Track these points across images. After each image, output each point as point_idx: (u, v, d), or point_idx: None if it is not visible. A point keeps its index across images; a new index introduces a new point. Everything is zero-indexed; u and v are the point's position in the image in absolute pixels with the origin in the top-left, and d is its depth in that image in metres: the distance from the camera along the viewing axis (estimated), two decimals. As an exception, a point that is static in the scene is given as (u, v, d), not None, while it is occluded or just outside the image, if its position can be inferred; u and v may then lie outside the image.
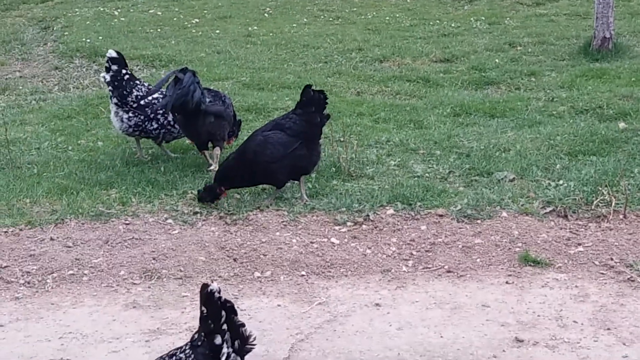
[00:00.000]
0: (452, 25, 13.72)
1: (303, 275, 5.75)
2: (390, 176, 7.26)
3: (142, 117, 7.62)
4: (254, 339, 3.67)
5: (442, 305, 5.31)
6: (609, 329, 4.95)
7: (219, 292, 3.53)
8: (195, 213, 6.59)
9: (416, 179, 7.19)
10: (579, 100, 9.33)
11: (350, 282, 5.66)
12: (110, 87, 7.67)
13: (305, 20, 14.44)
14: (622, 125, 8.36)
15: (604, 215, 6.42)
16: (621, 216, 6.39)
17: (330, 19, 14.49)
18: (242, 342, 3.61)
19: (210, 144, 7.48)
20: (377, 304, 5.35)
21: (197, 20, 14.41)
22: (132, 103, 7.62)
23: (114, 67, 7.64)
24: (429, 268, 5.83)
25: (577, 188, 6.78)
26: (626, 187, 6.65)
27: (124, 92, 7.62)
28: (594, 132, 8.15)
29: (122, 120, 7.64)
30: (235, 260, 5.92)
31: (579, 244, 6.04)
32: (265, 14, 14.99)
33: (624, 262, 5.75)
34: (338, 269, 5.84)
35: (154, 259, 5.94)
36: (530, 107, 9.17)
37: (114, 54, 7.68)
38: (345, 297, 5.46)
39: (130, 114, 7.62)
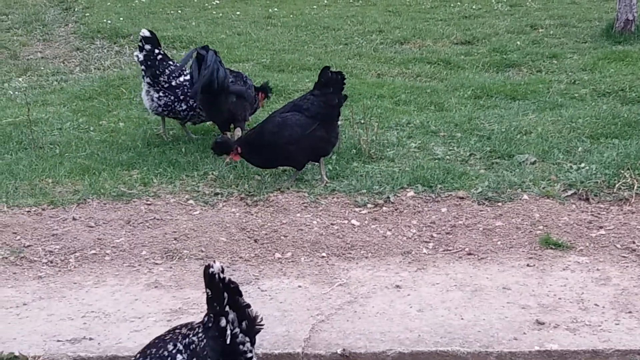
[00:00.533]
0: (473, 7, 13.66)
1: (324, 257, 5.76)
2: (410, 158, 7.26)
3: (172, 98, 7.68)
4: (261, 319, 3.71)
5: (463, 287, 5.31)
6: (630, 312, 4.93)
7: (222, 273, 3.52)
8: (216, 194, 6.61)
9: (437, 161, 7.18)
10: (601, 82, 9.27)
11: (371, 264, 5.67)
12: (142, 67, 7.73)
13: (325, 1, 14.41)
14: None
15: (626, 199, 6.38)
16: (643, 199, 6.36)
17: (351, 1, 14.46)
18: (249, 322, 3.65)
19: (231, 125, 7.50)
20: (397, 286, 5.35)
21: (218, 1, 14.41)
22: (164, 83, 7.69)
23: (147, 47, 7.70)
24: (450, 250, 5.83)
25: (598, 171, 6.74)
26: (649, 170, 6.62)
27: (157, 72, 7.70)
28: (616, 115, 8.10)
29: (152, 99, 7.71)
30: (256, 241, 5.95)
31: (601, 227, 6.01)
32: (286, -4, 15.00)
33: (646, 246, 5.74)
34: (358, 250, 5.85)
35: (175, 239, 5.97)
36: (551, 90, 9.13)
37: (147, 33, 7.74)
38: (366, 278, 5.47)
39: (161, 94, 7.69)
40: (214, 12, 13.49)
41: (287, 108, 6.84)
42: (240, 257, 5.76)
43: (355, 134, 7.64)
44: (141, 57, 7.70)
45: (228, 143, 6.70)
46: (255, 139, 6.69)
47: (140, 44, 7.73)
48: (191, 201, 6.52)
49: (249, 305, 3.65)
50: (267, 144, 6.62)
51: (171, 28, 12.38)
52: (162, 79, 7.70)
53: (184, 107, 7.69)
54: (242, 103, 7.40)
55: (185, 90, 7.65)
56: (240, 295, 3.61)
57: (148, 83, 7.72)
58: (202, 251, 5.82)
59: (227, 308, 3.55)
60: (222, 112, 7.35)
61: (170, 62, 7.82)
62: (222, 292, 3.53)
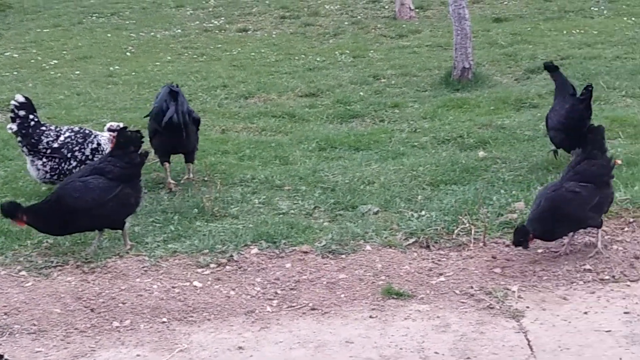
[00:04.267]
0: (317, 59, 13.82)
1: (164, 322, 5.58)
2: (255, 214, 7.18)
3: (57, 160, 7.46)
4: None
5: (306, 344, 5.24)
6: (468, 358, 4.97)
7: None
8: (51, 263, 6.32)
9: (281, 216, 7.13)
10: (441, 130, 9.48)
11: (214, 326, 5.53)
12: (18, 137, 7.44)
13: (169, 58, 14.27)
14: (481, 153, 8.54)
15: (465, 244, 6.50)
16: (481, 244, 6.47)
17: (195, 56, 14.37)
18: None
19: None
20: (240, 347, 5.23)
21: (56, 61, 14.02)
22: (44, 150, 7.44)
23: (22, 113, 7.41)
24: (294, 307, 5.75)
25: (438, 218, 6.85)
26: (485, 215, 6.77)
27: (33, 140, 7.45)
28: (455, 162, 8.29)
29: (37, 168, 7.48)
30: (92, 310, 5.70)
31: (441, 274, 6.09)
32: (128, 53, 14.73)
33: (483, 290, 5.82)
34: (201, 313, 5.69)
35: (5, 314, 5.65)
36: (394, 139, 9.26)
37: (22, 99, 7.44)
38: (208, 342, 5.32)
39: (44, 159, 7.44)
40: (52, 73, 13.11)
41: (86, 171, 6.62)
42: (76, 329, 5.50)
43: (199, 192, 7.52)
44: (15, 127, 7.42)
45: (12, 208, 6.35)
46: (49, 207, 6.39)
47: (12, 113, 7.42)
48: (23, 272, 6.21)
49: None
50: (67, 210, 6.34)
51: (6, 90, 11.90)
52: (41, 146, 7.46)
53: (74, 163, 7.52)
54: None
55: (70, 147, 7.48)
56: None
57: (30, 153, 7.45)
58: (35, 325, 5.53)
59: None
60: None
61: (44, 127, 7.58)
62: None
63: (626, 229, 6.61)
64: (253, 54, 14.43)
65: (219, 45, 15.23)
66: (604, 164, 6.34)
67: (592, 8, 16.56)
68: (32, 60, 14.14)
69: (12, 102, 7.47)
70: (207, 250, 6.47)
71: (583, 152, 6.38)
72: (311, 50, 14.68)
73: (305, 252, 6.45)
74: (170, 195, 7.66)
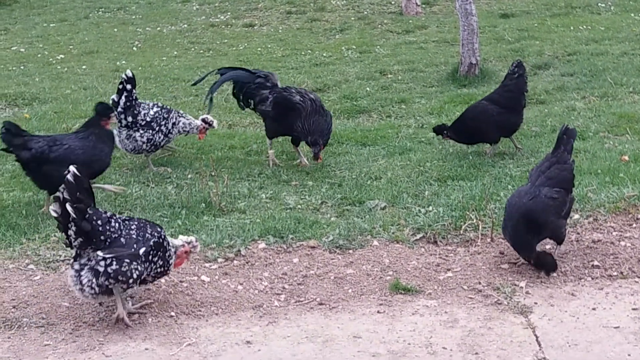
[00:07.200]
0: (324, 54, 13.79)
1: (172, 316, 5.59)
2: (262, 209, 7.19)
3: (151, 132, 8.10)
4: None
5: (314, 338, 5.24)
6: (477, 353, 4.98)
7: None
8: (59, 257, 6.33)
9: (288, 211, 7.14)
10: (448, 125, 9.45)
11: (221, 321, 5.54)
12: (119, 109, 7.97)
13: (175, 53, 14.25)
14: (488, 149, 8.53)
15: (472, 240, 6.50)
16: (489, 239, 6.48)
17: (201, 51, 14.36)
18: None
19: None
20: (248, 342, 5.24)
21: (63, 56, 14.03)
22: (141, 121, 8.09)
23: (128, 87, 7.99)
24: (301, 301, 5.76)
25: (446, 213, 6.84)
26: (492, 210, 6.76)
27: (135, 112, 8.08)
28: (462, 157, 8.29)
29: (136, 140, 8.09)
30: (100, 304, 5.71)
31: (448, 270, 6.09)
32: (134, 48, 14.73)
33: (491, 286, 5.83)
34: (208, 307, 5.71)
35: (14, 307, 5.66)
36: (400, 135, 9.25)
37: (130, 74, 8.01)
38: (216, 336, 5.33)
39: (142, 131, 8.10)
40: (59, 67, 13.12)
41: None
42: (85, 322, 5.52)
43: (206, 187, 7.52)
44: (123, 99, 7.95)
45: None
46: None
47: (120, 85, 7.96)
48: (32, 266, 6.23)
49: None
50: None
51: (13, 85, 11.94)
52: (139, 118, 8.08)
53: (162, 136, 8.17)
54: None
55: (158, 121, 8.13)
56: None
57: (127, 126, 8.03)
58: (44, 318, 5.55)
59: None
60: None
61: (141, 102, 8.23)
62: None
63: (634, 225, 6.61)
64: (259, 49, 14.40)
65: (225, 41, 15.21)
66: (572, 167, 6.25)
67: (599, 4, 16.48)
68: (39, 55, 14.16)
69: (122, 75, 8.01)
70: (214, 245, 6.48)
71: (553, 154, 6.28)
72: (317, 45, 14.64)
73: (313, 247, 6.46)
74: (177, 189, 7.67)
